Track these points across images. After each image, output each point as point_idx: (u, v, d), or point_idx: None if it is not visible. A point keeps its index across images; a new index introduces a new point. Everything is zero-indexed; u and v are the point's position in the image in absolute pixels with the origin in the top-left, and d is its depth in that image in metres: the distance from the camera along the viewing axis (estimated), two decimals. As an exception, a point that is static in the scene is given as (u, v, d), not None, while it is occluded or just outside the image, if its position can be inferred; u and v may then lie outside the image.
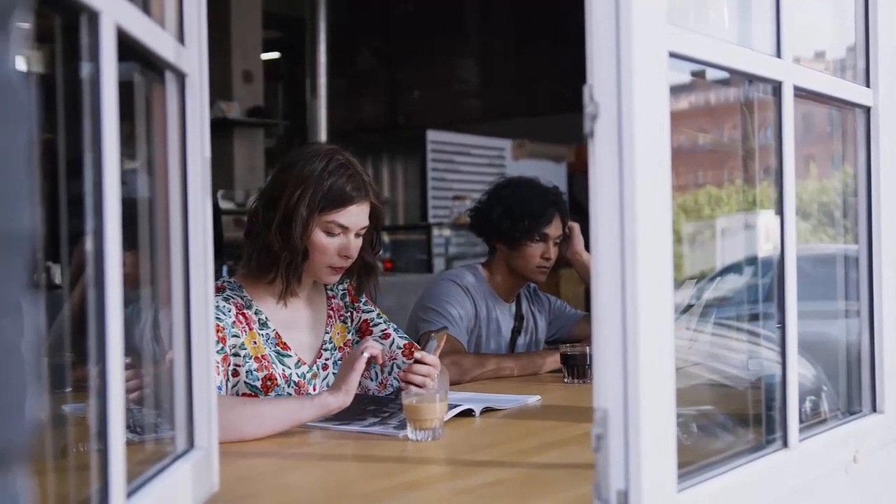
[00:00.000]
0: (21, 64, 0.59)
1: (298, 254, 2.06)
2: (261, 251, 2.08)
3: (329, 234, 2.07)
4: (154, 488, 1.13)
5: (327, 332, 2.22)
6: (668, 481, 1.15)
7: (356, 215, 2.09)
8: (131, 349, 1.11)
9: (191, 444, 1.31)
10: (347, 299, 2.29)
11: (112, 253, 0.96)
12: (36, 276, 0.59)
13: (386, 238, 7.33)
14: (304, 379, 2.14)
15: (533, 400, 2.27)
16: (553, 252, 2.90)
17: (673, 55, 1.17)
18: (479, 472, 1.59)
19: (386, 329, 2.28)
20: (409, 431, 1.80)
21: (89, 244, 0.95)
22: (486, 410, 2.10)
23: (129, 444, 1.01)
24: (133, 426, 1.28)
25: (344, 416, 2.00)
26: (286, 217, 2.04)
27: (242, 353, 2.04)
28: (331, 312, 2.25)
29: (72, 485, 1.12)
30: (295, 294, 2.15)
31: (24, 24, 0.60)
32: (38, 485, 0.91)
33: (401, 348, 2.25)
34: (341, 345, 2.25)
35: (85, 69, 0.96)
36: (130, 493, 1.04)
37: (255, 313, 2.11)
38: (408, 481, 1.55)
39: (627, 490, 1.10)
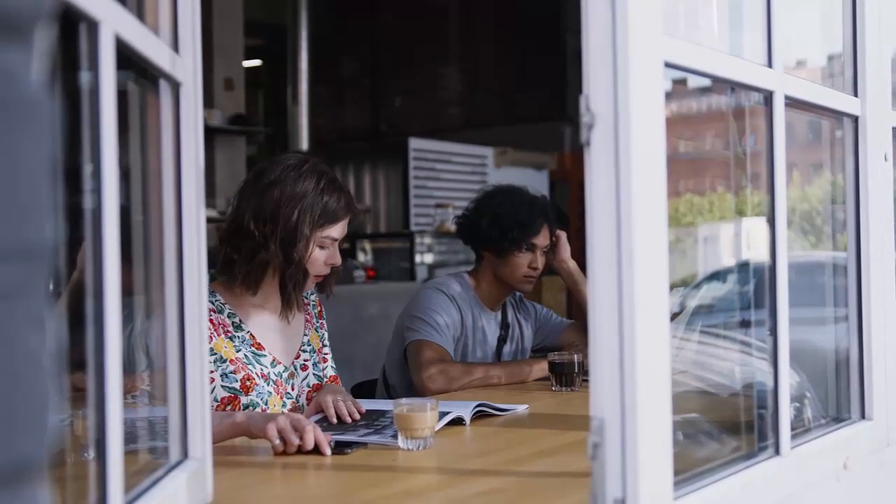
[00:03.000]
0: (43, 77, 0.58)
1: (301, 270, 2.13)
2: (258, 267, 2.12)
3: (322, 247, 2.16)
4: (149, 499, 1.12)
5: (305, 335, 2.29)
6: (664, 489, 1.16)
7: (344, 227, 2.20)
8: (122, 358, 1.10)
9: (185, 454, 1.31)
10: (315, 311, 2.37)
11: (110, 262, 0.95)
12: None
13: (368, 246, 7.31)
14: (282, 378, 2.19)
15: (522, 409, 2.27)
16: (540, 262, 2.90)
17: (668, 65, 1.18)
18: (472, 480, 1.59)
19: (327, 354, 2.37)
20: (399, 440, 1.80)
21: (88, 253, 0.94)
22: (478, 414, 2.10)
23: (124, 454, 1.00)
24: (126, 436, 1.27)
25: (338, 428, 1.99)
26: (288, 237, 2.10)
27: (212, 357, 2.08)
28: (307, 317, 2.33)
29: (68, 495, 1.11)
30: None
31: (43, 39, 0.59)
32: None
33: (327, 378, 2.32)
34: (318, 349, 2.32)
35: (83, 77, 0.95)
36: (127, 505, 1.03)
37: (229, 317, 2.16)
38: (401, 491, 1.55)
39: (624, 498, 1.10)
